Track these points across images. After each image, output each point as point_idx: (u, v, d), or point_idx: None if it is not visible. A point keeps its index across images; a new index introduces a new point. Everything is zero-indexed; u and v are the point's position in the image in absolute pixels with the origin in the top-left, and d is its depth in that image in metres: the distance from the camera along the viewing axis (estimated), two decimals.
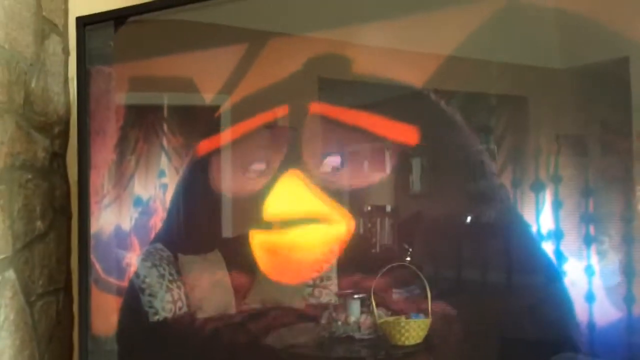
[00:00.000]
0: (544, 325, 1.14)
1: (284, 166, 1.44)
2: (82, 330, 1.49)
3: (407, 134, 1.34)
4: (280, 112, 1.46)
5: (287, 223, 1.47)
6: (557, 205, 1.11)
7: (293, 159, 1.43)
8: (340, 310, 1.41)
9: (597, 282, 1.03)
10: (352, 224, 1.40)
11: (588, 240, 1.04)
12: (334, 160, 1.44)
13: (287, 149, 1.47)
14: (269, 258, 1.49)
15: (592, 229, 1.04)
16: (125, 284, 1.60)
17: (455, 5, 1.21)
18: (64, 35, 1.85)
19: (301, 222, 1.45)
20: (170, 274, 1.63)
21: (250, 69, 1.46)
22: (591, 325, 1.07)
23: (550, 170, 1.10)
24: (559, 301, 1.09)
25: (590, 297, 1.07)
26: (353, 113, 1.39)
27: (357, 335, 1.39)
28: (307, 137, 1.43)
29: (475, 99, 1.26)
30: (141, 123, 1.61)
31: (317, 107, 1.43)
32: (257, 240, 1.48)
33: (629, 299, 1.01)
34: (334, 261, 1.42)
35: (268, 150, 1.49)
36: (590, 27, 1.07)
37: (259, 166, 1.52)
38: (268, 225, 1.47)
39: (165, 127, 1.63)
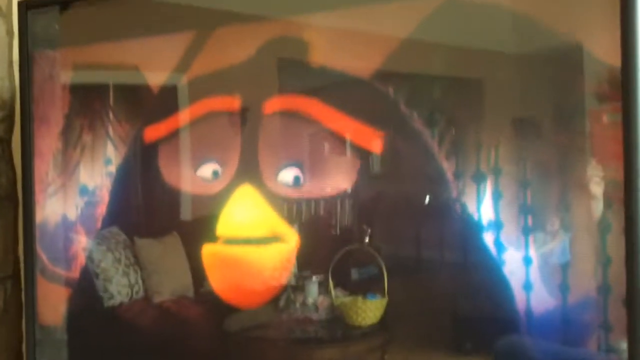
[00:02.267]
0: (491, 307, 1.18)
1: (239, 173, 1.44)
2: (29, 320, 1.46)
3: (360, 123, 1.36)
4: (232, 102, 1.46)
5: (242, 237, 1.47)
6: (497, 195, 1.14)
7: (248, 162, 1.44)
8: (298, 292, 1.42)
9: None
10: (311, 206, 1.41)
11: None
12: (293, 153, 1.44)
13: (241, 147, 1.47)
14: (222, 271, 1.49)
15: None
16: (73, 274, 1.56)
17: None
18: (7, 17, 1.78)
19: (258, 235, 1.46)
20: (127, 258, 1.63)
21: (198, 55, 1.43)
22: (530, 310, 1.10)
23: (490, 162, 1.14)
24: (506, 285, 1.13)
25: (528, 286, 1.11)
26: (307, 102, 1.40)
27: (314, 317, 1.41)
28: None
29: (420, 90, 1.29)
30: (87, 110, 1.57)
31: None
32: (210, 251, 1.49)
33: (563, 287, 1.06)
34: (292, 243, 1.41)
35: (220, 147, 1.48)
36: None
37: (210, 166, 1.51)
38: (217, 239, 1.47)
39: (111, 114, 1.59)
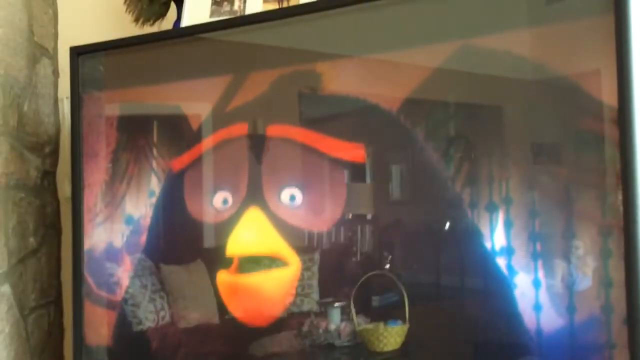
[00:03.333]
0: (510, 332, 1.24)
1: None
2: (77, 342, 1.56)
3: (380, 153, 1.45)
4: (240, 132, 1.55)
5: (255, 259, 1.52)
6: (509, 224, 1.24)
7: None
8: (321, 318, 1.44)
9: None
10: (332, 233, 1.46)
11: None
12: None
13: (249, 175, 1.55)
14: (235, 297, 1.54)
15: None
16: (116, 297, 1.64)
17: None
18: (53, 58, 1.92)
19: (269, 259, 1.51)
20: (153, 284, 1.66)
21: (232, 99, 1.53)
22: (540, 331, 1.17)
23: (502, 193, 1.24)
24: (521, 310, 1.20)
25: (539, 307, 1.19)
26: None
27: (337, 343, 1.42)
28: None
29: (438, 124, 1.39)
30: (132, 146, 1.66)
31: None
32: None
33: (570, 308, 1.13)
34: (315, 269, 1.47)
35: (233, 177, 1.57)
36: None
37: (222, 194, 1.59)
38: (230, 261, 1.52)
39: (154, 150, 1.67)
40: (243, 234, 1.51)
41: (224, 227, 1.53)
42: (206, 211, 1.59)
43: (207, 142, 1.59)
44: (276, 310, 1.48)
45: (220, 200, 1.56)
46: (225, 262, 1.53)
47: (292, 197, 1.48)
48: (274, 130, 1.50)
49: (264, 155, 1.53)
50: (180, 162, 1.61)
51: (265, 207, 1.48)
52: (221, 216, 1.55)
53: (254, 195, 1.50)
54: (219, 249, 1.54)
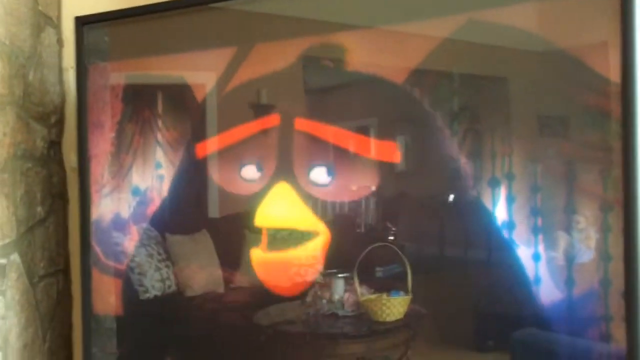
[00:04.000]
0: (509, 303, 1.26)
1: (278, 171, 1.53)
2: (85, 310, 1.59)
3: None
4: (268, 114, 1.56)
5: (278, 230, 1.55)
6: (511, 198, 1.25)
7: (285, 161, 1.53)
8: (325, 289, 1.48)
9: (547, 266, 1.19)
10: (336, 205, 1.49)
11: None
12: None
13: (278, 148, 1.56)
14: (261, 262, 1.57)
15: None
16: (122, 266, 1.68)
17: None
18: (58, 27, 1.91)
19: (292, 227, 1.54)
20: (159, 254, 1.69)
21: (238, 70, 1.54)
22: (541, 303, 1.20)
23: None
24: (521, 282, 1.23)
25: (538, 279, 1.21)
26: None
27: (340, 313, 1.46)
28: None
29: (445, 94, 1.38)
30: (137, 118, 1.68)
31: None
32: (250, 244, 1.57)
33: (570, 282, 1.16)
34: (319, 241, 1.48)
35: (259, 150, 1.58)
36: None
37: (251, 168, 1.60)
38: (257, 230, 1.55)
39: (159, 122, 1.70)
40: (273, 207, 1.54)
41: (253, 199, 1.55)
42: (236, 183, 1.60)
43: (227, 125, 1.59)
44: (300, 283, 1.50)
45: (249, 173, 1.58)
46: (255, 234, 1.56)
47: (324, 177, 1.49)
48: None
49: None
50: (200, 138, 1.63)
51: (294, 182, 1.50)
52: (250, 188, 1.57)
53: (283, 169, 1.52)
54: (249, 220, 1.56)
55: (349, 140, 1.45)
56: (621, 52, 1.01)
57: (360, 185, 1.46)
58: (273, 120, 1.54)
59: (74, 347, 1.88)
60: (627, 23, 1.02)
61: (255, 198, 1.54)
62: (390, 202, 1.46)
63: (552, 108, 1.20)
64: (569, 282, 1.14)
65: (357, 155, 1.46)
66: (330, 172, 1.48)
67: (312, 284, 1.48)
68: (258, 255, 1.56)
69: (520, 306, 1.23)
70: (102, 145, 1.62)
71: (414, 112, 1.38)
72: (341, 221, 1.49)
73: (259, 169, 1.57)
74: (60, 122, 1.88)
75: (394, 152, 1.42)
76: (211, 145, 1.62)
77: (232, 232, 1.63)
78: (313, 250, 1.49)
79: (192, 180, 1.68)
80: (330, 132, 1.47)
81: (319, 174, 1.49)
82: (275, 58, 1.48)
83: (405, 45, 1.35)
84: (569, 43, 1.15)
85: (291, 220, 1.53)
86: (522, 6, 1.19)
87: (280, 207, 1.53)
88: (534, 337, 1.22)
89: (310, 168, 1.48)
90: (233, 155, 1.58)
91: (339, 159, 1.48)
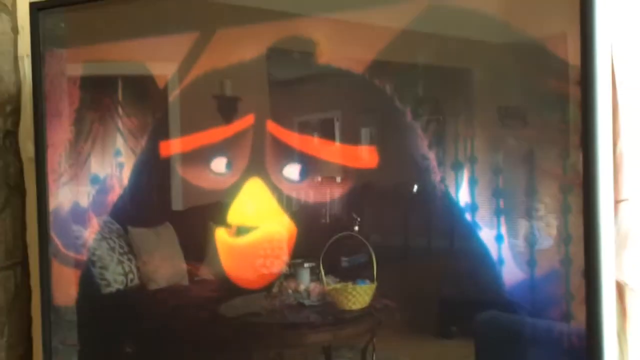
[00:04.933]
0: (473, 287, 1.28)
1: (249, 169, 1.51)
2: (45, 302, 1.57)
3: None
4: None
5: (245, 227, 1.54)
6: (473, 181, 1.26)
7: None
8: (291, 279, 1.49)
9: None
10: (302, 196, 1.49)
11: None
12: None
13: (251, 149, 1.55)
14: (226, 253, 1.56)
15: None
16: (83, 257, 1.65)
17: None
18: (12, 14, 1.87)
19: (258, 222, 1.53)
20: (121, 247, 1.68)
21: (201, 56, 1.52)
22: (503, 285, 1.22)
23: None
24: (485, 266, 1.25)
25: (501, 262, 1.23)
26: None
27: (307, 302, 1.47)
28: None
29: (407, 83, 1.39)
30: (97, 105, 1.65)
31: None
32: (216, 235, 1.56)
33: (531, 263, 1.18)
34: (284, 232, 1.49)
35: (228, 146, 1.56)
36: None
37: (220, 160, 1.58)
38: (225, 223, 1.54)
39: (120, 109, 1.67)
40: (245, 204, 1.52)
41: (219, 192, 1.55)
42: (205, 176, 1.59)
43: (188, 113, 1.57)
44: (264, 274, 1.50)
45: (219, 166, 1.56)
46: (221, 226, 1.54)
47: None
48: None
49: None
50: (162, 128, 1.60)
51: (262, 175, 1.49)
52: (217, 181, 1.56)
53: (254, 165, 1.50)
54: (220, 214, 1.55)
55: (313, 142, 1.46)
56: (580, 36, 1.03)
57: (325, 177, 1.47)
58: (240, 116, 1.53)
59: (34, 341, 1.84)
60: (586, 9, 1.04)
61: (222, 190, 1.53)
62: (355, 193, 1.47)
63: (513, 94, 1.22)
64: (531, 263, 1.16)
65: (322, 151, 1.47)
66: (297, 168, 1.48)
67: (278, 275, 1.49)
68: (224, 247, 1.55)
69: (483, 290, 1.25)
70: (59, 134, 1.59)
71: (377, 103, 1.39)
72: (307, 212, 1.50)
73: (228, 164, 1.55)
74: (16, 112, 1.84)
75: (360, 155, 1.42)
76: (174, 136, 1.60)
77: (197, 225, 1.61)
78: (279, 242, 1.49)
79: (154, 170, 1.65)
80: (295, 137, 1.48)
81: (288, 169, 1.49)
82: (239, 47, 1.47)
83: (366, 35, 1.35)
84: (530, 28, 1.16)
85: (257, 214, 1.52)
86: None
87: (246, 200, 1.52)
88: (497, 319, 1.24)
89: (279, 164, 1.48)
90: (198, 147, 1.56)
91: (305, 155, 1.48)
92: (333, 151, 1.46)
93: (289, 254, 1.49)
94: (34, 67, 1.54)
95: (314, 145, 1.48)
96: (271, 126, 1.48)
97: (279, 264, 1.49)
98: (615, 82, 1.16)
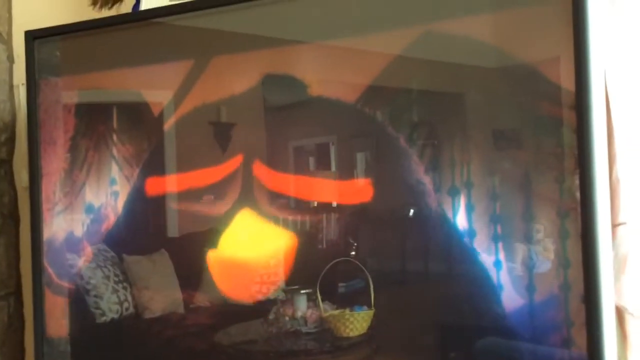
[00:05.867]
0: (471, 313, 1.27)
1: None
2: (38, 333, 1.54)
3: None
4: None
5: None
6: (470, 207, 1.26)
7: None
8: (287, 306, 1.47)
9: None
10: (297, 222, 1.48)
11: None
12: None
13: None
14: (219, 272, 1.55)
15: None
16: (77, 288, 1.62)
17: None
18: (8, 43, 1.88)
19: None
20: (116, 275, 1.66)
21: (195, 84, 1.53)
22: (502, 311, 1.21)
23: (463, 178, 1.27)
24: (484, 292, 1.24)
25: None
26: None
27: (304, 329, 1.45)
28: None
29: (401, 111, 1.40)
30: (92, 133, 1.64)
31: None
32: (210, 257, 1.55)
33: (530, 288, 1.17)
34: (280, 258, 1.48)
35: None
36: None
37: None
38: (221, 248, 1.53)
39: (115, 137, 1.66)
40: (235, 230, 1.51)
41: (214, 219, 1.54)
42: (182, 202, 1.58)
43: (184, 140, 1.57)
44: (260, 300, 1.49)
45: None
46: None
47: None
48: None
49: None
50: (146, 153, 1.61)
51: (255, 204, 1.48)
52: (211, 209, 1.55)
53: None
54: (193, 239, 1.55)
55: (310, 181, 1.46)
56: (575, 61, 1.04)
57: (321, 202, 1.47)
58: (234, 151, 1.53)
59: None
60: (580, 34, 1.04)
61: (217, 218, 1.52)
62: (351, 218, 1.47)
63: (508, 119, 1.22)
64: (530, 288, 1.15)
65: (317, 173, 1.46)
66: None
67: (275, 302, 1.48)
68: (220, 273, 1.54)
69: (482, 316, 1.24)
70: (54, 162, 1.58)
71: (372, 129, 1.39)
72: (303, 238, 1.48)
73: (220, 196, 1.55)
74: (11, 140, 1.84)
75: (358, 190, 1.42)
76: (170, 164, 1.60)
77: (192, 252, 1.60)
78: (275, 267, 1.48)
79: (149, 198, 1.64)
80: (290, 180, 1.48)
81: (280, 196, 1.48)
82: (233, 75, 1.48)
83: (359, 60, 1.36)
84: (524, 55, 1.17)
85: (253, 239, 1.51)
86: (476, 19, 1.22)
87: (242, 228, 1.51)
88: (497, 345, 1.23)
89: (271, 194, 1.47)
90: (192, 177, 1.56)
91: (300, 181, 1.48)
92: (328, 176, 1.46)
93: (285, 280, 1.48)
94: (29, 95, 1.54)
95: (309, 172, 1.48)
96: (258, 167, 1.49)
97: (275, 290, 1.48)
98: (610, 106, 1.16)
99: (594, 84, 1.03)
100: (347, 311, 1.41)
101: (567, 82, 1.06)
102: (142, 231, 1.70)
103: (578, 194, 1.02)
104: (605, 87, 1.14)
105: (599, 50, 1.05)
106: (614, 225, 1.15)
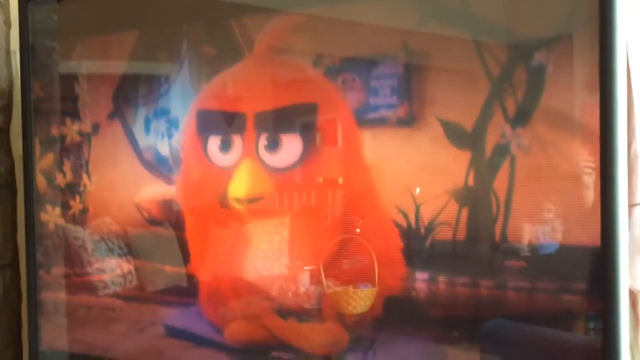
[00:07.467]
0: (477, 291, 1.25)
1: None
2: (32, 306, 1.53)
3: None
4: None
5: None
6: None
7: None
8: (290, 282, 1.46)
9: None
10: (303, 197, 1.45)
11: None
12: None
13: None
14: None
15: None
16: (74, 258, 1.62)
17: None
18: (5, 7, 1.83)
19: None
20: (120, 248, 1.65)
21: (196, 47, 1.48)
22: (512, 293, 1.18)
23: None
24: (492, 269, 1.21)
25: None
26: None
27: (306, 306, 1.44)
28: None
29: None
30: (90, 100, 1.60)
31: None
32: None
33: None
34: (285, 233, 1.46)
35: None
36: None
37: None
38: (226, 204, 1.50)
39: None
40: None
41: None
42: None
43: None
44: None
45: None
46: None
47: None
48: None
49: None
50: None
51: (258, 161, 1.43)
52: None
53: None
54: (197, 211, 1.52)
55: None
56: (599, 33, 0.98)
57: (327, 177, 1.43)
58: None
59: (23, 344, 1.80)
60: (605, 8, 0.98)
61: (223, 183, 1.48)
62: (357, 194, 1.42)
63: None
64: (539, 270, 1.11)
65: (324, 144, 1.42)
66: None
67: (277, 278, 1.46)
68: (223, 243, 1.52)
69: (489, 295, 1.21)
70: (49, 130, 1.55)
71: None
72: (307, 214, 1.45)
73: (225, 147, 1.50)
74: (8, 108, 1.80)
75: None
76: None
77: (197, 224, 1.57)
78: (279, 244, 1.46)
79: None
80: None
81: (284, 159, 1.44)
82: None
83: None
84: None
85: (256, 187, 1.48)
86: None
87: (246, 184, 1.48)
88: (504, 327, 1.20)
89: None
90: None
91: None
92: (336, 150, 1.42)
93: (288, 256, 1.46)
94: (22, 61, 1.50)
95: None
96: None
97: (279, 267, 1.46)
98: (631, 80, 1.11)
99: (618, 57, 0.97)
100: (351, 288, 1.39)
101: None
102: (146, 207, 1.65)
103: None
104: (627, 61, 1.09)
105: (622, 23, 0.98)
106: (631, 206, 1.10)
